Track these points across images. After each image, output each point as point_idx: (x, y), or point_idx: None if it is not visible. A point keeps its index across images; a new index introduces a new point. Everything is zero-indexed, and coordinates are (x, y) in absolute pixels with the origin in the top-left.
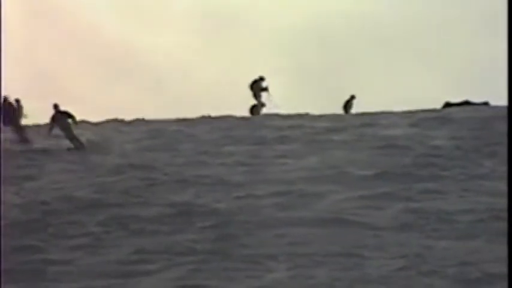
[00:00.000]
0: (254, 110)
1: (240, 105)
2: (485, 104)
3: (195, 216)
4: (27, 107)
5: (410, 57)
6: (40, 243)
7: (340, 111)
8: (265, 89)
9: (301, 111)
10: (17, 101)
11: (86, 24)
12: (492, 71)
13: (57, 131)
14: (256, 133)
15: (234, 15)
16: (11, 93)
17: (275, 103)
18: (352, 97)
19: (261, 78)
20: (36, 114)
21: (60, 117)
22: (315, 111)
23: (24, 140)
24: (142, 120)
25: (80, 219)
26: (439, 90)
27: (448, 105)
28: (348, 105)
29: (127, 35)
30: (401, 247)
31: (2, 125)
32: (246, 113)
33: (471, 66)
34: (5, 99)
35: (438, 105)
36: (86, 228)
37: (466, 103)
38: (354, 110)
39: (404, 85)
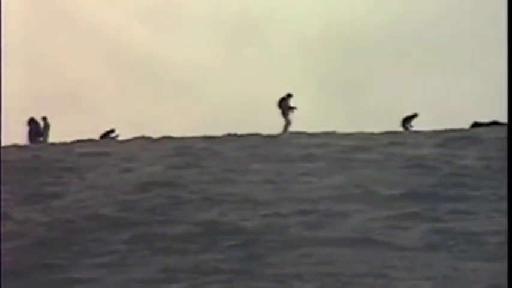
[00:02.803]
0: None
1: (266, 122)
2: None
3: (221, 235)
4: (53, 124)
5: (438, 71)
6: (65, 262)
7: (367, 129)
8: (293, 108)
9: (328, 129)
10: (44, 118)
11: (108, 32)
12: None
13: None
14: (282, 151)
15: (257, 26)
16: (37, 109)
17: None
18: (415, 115)
19: (289, 95)
20: (62, 131)
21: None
22: (341, 129)
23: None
24: (169, 137)
25: (105, 238)
26: (468, 109)
27: (476, 125)
28: (407, 122)
29: (152, 47)
30: (429, 268)
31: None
32: (272, 130)
33: (501, 83)
34: (32, 118)
35: (466, 124)
36: (111, 246)
37: (495, 123)
38: (380, 128)
39: (432, 102)
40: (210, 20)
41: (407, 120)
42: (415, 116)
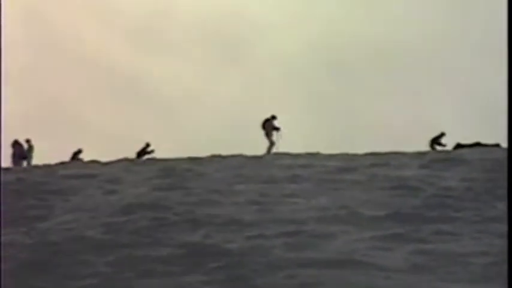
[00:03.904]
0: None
1: (250, 143)
2: (497, 145)
3: (205, 257)
4: (37, 146)
5: (421, 91)
6: (49, 284)
7: (351, 150)
8: (277, 128)
9: (312, 150)
10: (27, 141)
11: (92, 52)
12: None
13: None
14: (266, 172)
15: (241, 45)
16: (21, 129)
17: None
18: (442, 134)
19: (273, 117)
20: (46, 153)
21: None
22: (325, 150)
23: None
24: (153, 159)
25: (90, 260)
26: (450, 130)
27: (459, 146)
28: (436, 142)
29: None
30: None
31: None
32: (256, 151)
33: (485, 105)
34: (16, 140)
35: (449, 146)
36: (95, 268)
37: (478, 144)
38: (363, 149)
39: (417, 123)
40: (194, 41)
41: (435, 140)
42: (442, 135)
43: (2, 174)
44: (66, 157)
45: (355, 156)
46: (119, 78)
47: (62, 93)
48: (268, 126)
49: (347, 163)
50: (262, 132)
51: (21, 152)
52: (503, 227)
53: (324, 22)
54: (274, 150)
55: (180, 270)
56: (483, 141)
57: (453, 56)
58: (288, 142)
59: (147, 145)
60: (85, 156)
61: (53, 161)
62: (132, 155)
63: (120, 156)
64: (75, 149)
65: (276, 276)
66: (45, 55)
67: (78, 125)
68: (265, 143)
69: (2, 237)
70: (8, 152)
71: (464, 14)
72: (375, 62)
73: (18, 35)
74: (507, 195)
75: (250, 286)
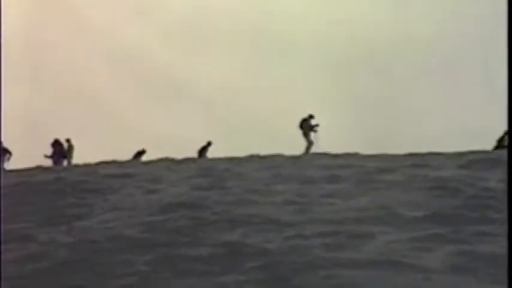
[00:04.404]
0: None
1: (288, 143)
2: None
3: (244, 257)
4: (77, 145)
5: (459, 91)
6: (88, 283)
7: (390, 150)
8: (314, 128)
9: (351, 150)
10: (67, 140)
11: (128, 49)
12: None
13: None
14: (305, 172)
15: (278, 44)
16: (62, 129)
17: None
18: (505, 133)
19: (311, 117)
20: (85, 152)
21: None
22: (364, 150)
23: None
24: (193, 159)
25: (129, 259)
26: (491, 130)
27: (499, 146)
28: (502, 141)
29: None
30: None
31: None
32: (294, 151)
33: None
34: (56, 140)
35: (489, 146)
36: (134, 267)
37: None
38: (402, 149)
39: (454, 122)
40: (231, 39)
41: (503, 140)
42: (505, 134)
43: (41, 174)
44: (106, 156)
45: (394, 156)
46: (159, 77)
47: (102, 93)
48: (306, 125)
49: (386, 163)
50: (300, 132)
51: (61, 151)
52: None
53: (365, 23)
54: (312, 150)
55: (218, 270)
56: None
57: (490, 51)
58: (326, 142)
59: (209, 144)
60: (125, 156)
61: (93, 160)
62: (172, 154)
63: (160, 155)
64: (138, 149)
65: (314, 276)
66: (83, 54)
67: (118, 124)
68: (304, 143)
69: (44, 236)
70: (48, 151)
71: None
72: (414, 60)
73: (59, 33)
74: (507, 194)
75: (288, 286)
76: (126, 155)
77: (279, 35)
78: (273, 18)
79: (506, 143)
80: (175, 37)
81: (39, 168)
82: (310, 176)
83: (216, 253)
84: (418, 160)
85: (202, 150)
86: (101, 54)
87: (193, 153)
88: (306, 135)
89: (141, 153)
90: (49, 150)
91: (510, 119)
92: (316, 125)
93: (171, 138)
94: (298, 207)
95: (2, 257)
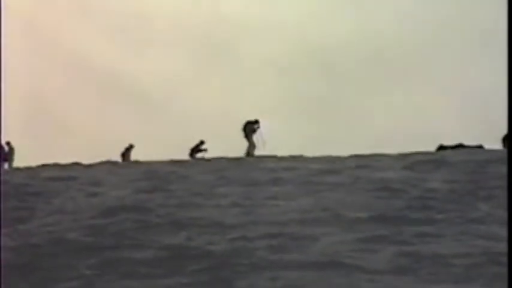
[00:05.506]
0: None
1: (232, 146)
2: (480, 147)
3: (188, 259)
4: (18, 147)
5: (404, 92)
6: (31, 287)
7: (334, 152)
8: (256, 130)
9: (295, 152)
10: (8, 143)
11: (73, 51)
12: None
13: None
14: (249, 174)
15: (226, 43)
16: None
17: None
18: (202, 142)
19: (256, 121)
20: (27, 155)
21: None
22: (309, 152)
23: None
24: (136, 162)
25: (72, 262)
26: (433, 131)
27: (442, 147)
28: (196, 150)
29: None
30: None
31: None
32: (238, 154)
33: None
34: None
35: (432, 147)
36: (77, 271)
37: (460, 146)
38: (347, 151)
39: (400, 123)
40: (178, 36)
41: (195, 149)
42: (202, 143)
43: None
44: (47, 159)
45: (338, 158)
46: (102, 78)
47: (43, 93)
48: (249, 128)
49: (330, 165)
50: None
51: (2, 154)
52: (485, 228)
53: (315, 22)
54: (256, 152)
55: (162, 272)
56: (467, 142)
57: (446, 54)
58: (272, 145)
59: (201, 142)
60: (65, 159)
61: (35, 163)
62: (115, 157)
63: (103, 158)
64: (126, 145)
65: (259, 278)
66: (24, 54)
67: (60, 125)
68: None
69: None
70: None
71: (464, 11)
72: (361, 62)
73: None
74: (507, 194)
75: None
76: (67, 157)
77: (229, 36)
78: (224, 19)
79: (201, 150)
80: (121, 34)
81: None
82: (254, 179)
83: (160, 256)
84: (361, 161)
85: (195, 150)
86: (42, 53)
87: (136, 156)
88: (248, 137)
89: (129, 149)
90: None
91: (510, 119)
92: (257, 128)
93: (114, 141)
94: (242, 209)
95: None
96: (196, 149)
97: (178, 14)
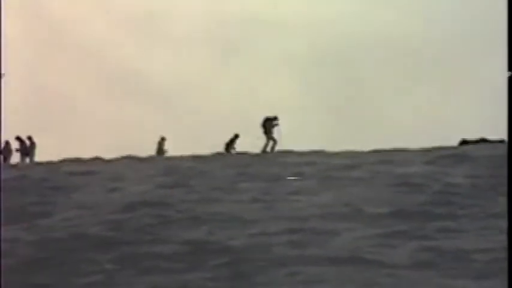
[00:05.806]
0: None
1: (253, 142)
2: (502, 141)
3: (208, 254)
4: (39, 142)
5: (427, 89)
6: (52, 281)
7: (356, 147)
8: (276, 125)
9: (316, 148)
10: (29, 138)
11: (89, 50)
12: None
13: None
14: (270, 170)
15: (246, 40)
16: (23, 126)
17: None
18: (236, 136)
19: (275, 118)
20: (48, 150)
21: None
22: (330, 148)
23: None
24: (157, 157)
25: (93, 257)
26: (456, 126)
27: (464, 142)
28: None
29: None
30: (417, 286)
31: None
32: (257, 150)
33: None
34: (17, 137)
35: (454, 142)
36: (98, 265)
37: (483, 141)
38: (368, 146)
39: (421, 119)
40: (196, 35)
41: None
42: (236, 137)
43: (4, 171)
44: (69, 154)
45: (359, 153)
46: (122, 75)
47: (64, 89)
48: (269, 124)
49: (351, 160)
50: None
51: (23, 149)
52: (507, 224)
53: (331, 21)
54: (276, 148)
55: (183, 267)
56: (489, 137)
57: (464, 52)
58: (292, 140)
59: (236, 136)
60: (87, 154)
61: (56, 158)
62: (135, 152)
63: (124, 153)
64: (158, 138)
65: (278, 273)
66: (45, 50)
67: (82, 121)
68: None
69: (6, 234)
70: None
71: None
72: (380, 58)
73: (18, 31)
74: (507, 192)
75: (252, 283)
76: (89, 152)
77: (247, 34)
78: (240, 17)
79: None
80: (140, 33)
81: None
82: (275, 174)
83: (180, 251)
84: (383, 156)
85: (230, 143)
86: (63, 49)
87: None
88: (267, 133)
89: (161, 142)
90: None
91: (510, 120)
92: (276, 124)
93: (135, 136)
94: (263, 204)
95: None
96: (232, 143)
97: (196, 12)
